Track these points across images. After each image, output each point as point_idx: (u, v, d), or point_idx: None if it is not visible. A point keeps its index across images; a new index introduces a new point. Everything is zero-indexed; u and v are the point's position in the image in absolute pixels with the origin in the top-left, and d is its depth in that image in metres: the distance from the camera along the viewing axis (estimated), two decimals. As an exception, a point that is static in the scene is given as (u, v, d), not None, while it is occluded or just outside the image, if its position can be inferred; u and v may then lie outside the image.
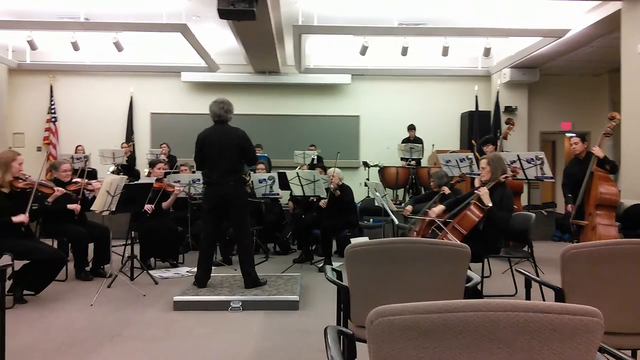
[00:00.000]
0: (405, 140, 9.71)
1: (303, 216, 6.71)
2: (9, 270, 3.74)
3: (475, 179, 4.59)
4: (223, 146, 4.75)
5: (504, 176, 4.50)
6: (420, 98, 11.15)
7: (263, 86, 11.07)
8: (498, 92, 10.69)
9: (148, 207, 5.81)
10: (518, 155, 5.76)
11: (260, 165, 7.20)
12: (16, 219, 4.42)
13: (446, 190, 5.15)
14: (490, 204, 4.27)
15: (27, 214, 4.48)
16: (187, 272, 5.89)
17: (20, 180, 4.55)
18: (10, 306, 2.87)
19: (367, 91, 11.21)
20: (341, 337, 1.84)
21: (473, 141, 9.41)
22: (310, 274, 5.78)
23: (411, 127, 9.93)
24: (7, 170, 4.47)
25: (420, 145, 9.32)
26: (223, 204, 4.77)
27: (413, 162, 9.10)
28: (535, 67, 10.21)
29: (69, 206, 5.33)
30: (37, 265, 4.49)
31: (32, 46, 9.16)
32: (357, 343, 2.10)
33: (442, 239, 4.22)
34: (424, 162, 9.65)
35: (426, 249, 2.32)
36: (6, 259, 3.92)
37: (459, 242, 3.73)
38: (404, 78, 11.13)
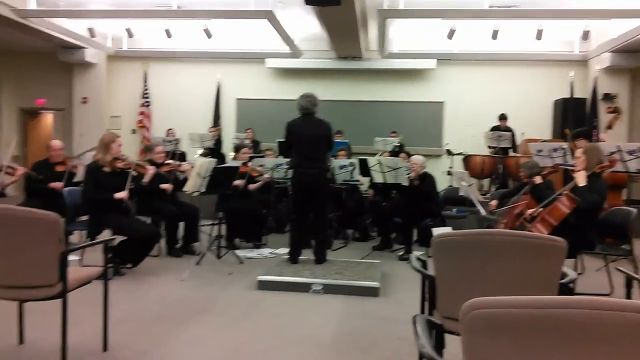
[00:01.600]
0: (494, 129, 9.32)
1: (383, 203, 6.66)
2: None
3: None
4: (311, 136, 5.21)
5: (599, 166, 4.25)
6: (509, 84, 10.64)
7: (345, 72, 11.04)
8: (596, 78, 9.97)
9: (239, 182, 6.03)
10: (619, 146, 5.37)
11: (342, 152, 7.22)
12: (118, 195, 4.73)
13: (537, 179, 4.87)
14: (584, 184, 4.07)
15: (127, 191, 4.78)
16: (269, 253, 6.07)
17: (120, 161, 4.86)
18: (109, 278, 3.12)
19: (453, 76, 10.86)
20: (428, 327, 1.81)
21: (566, 130, 8.86)
22: (390, 262, 5.74)
23: (502, 117, 9.49)
24: (108, 151, 4.78)
25: (509, 133, 8.92)
26: (308, 188, 5.15)
27: (502, 151, 8.72)
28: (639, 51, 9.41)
29: (162, 186, 5.63)
30: (134, 241, 4.80)
31: (130, 34, 9.74)
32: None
33: (531, 232, 4.04)
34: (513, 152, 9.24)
35: (519, 241, 2.22)
36: (108, 235, 4.23)
37: (547, 234, 3.56)
38: (493, 63, 10.66)
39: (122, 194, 4.74)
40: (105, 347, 3.02)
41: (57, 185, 5.57)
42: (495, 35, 8.36)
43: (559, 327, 1.18)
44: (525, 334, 1.19)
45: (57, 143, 5.92)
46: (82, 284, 2.83)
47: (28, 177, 5.67)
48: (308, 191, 5.20)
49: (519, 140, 9.34)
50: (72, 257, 2.74)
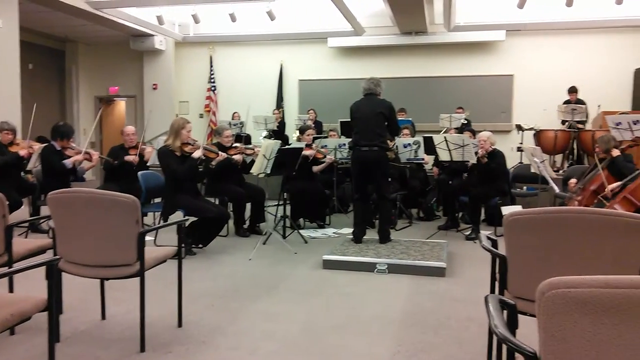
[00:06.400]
0: (566, 102, 8.83)
1: (450, 182, 6.52)
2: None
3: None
4: (370, 114, 5.17)
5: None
6: (584, 54, 10.01)
7: (409, 47, 10.78)
8: (683, 42, 9.20)
9: (309, 151, 6.25)
10: None
11: (405, 130, 7.10)
12: (195, 154, 4.85)
13: (615, 152, 4.57)
14: None
15: (201, 149, 4.91)
16: (333, 233, 6.11)
17: (189, 145, 5.02)
18: (183, 257, 3.26)
19: (524, 48, 10.34)
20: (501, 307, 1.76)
21: (649, 100, 8.26)
22: (457, 242, 5.63)
23: (572, 90, 8.90)
24: (178, 137, 4.94)
25: (583, 106, 8.43)
26: (367, 167, 5.14)
27: (579, 125, 8.26)
28: None
29: (126, 158, 5.82)
30: (205, 222, 4.98)
31: (196, 20, 9.98)
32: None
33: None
34: (587, 126, 8.73)
35: (597, 219, 2.10)
36: (180, 216, 4.40)
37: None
38: (566, 32, 10.05)
39: (197, 153, 4.86)
40: (180, 323, 3.16)
41: (131, 158, 5.87)
42: (570, 2, 7.85)
43: (641, 308, 1.11)
44: (606, 315, 1.13)
45: (130, 128, 6.20)
46: (158, 262, 2.96)
47: (105, 162, 5.99)
48: (367, 170, 5.18)
49: (594, 113, 8.80)
50: (147, 238, 2.87)
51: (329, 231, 6.23)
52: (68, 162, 5.71)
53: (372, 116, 5.14)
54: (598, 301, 1.13)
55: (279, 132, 9.71)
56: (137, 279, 2.74)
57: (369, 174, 5.20)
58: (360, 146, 5.15)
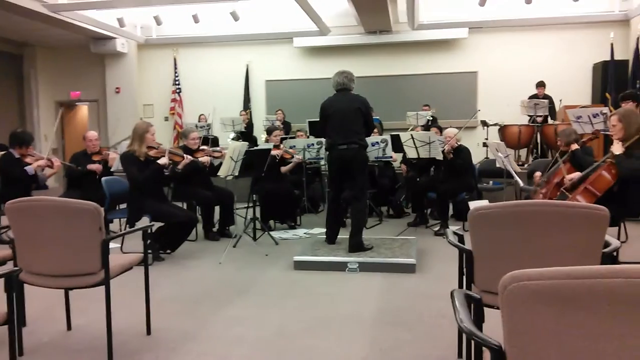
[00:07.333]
0: (532, 97, 9.02)
1: (418, 179, 6.58)
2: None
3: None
4: (345, 111, 4.87)
5: (643, 132, 4.03)
6: (545, 49, 10.27)
7: (374, 47, 10.86)
8: (638, 38, 9.51)
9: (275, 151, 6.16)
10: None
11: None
12: (160, 161, 4.80)
13: (573, 146, 4.68)
14: (620, 152, 3.88)
15: (166, 157, 4.85)
16: (304, 233, 6.09)
17: (153, 149, 4.92)
18: (150, 263, 3.20)
19: (486, 45, 10.54)
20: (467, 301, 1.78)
21: (607, 94, 8.51)
22: (426, 238, 5.69)
23: (540, 84, 9.13)
24: (142, 141, 4.84)
25: (545, 101, 8.64)
26: (345, 166, 4.89)
27: (539, 120, 8.45)
28: (686, 6, 8.92)
29: (89, 166, 5.71)
30: (172, 227, 4.90)
31: (158, 22, 9.83)
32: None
33: (573, 201, 3.92)
34: (557, 120, 8.94)
35: (559, 212, 2.15)
36: (146, 222, 4.31)
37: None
38: (527, 29, 10.30)
39: (162, 160, 4.81)
40: (148, 331, 3.10)
41: (95, 166, 5.73)
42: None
43: (602, 297, 1.13)
44: (567, 305, 1.15)
45: (92, 134, 6.05)
46: (124, 270, 2.90)
47: (68, 169, 5.83)
48: (345, 170, 4.90)
49: (558, 107, 9.03)
50: (112, 245, 2.81)
51: (300, 232, 6.21)
52: (30, 168, 5.52)
53: (349, 113, 4.85)
54: (559, 292, 1.15)
55: (247, 134, 9.65)
56: (103, 288, 2.67)
57: (347, 173, 4.92)
58: (337, 145, 4.86)
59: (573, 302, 1.15)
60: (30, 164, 5.60)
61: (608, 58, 9.66)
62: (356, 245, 4.78)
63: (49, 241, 2.68)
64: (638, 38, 9.47)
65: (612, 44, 9.60)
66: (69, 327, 3.19)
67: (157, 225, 4.82)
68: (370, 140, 6.64)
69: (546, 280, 1.15)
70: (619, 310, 1.13)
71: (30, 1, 8.27)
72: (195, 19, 9.61)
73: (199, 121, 9.89)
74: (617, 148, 3.96)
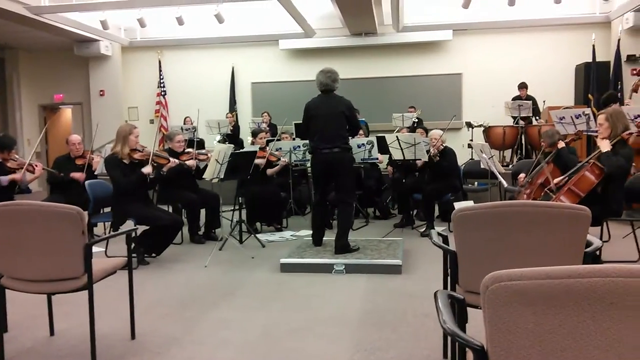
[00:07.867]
0: (515, 99, 9.11)
1: (404, 180, 6.61)
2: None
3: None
4: (329, 114, 4.83)
5: (627, 132, 4.10)
6: (529, 51, 10.38)
7: (359, 49, 10.90)
8: (619, 39, 9.65)
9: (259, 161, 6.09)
10: (644, 109, 5.20)
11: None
12: (144, 169, 4.77)
13: (560, 144, 4.73)
14: (607, 150, 3.95)
15: (150, 166, 4.82)
16: (291, 235, 6.09)
17: (137, 152, 4.88)
18: (134, 267, 3.17)
19: (470, 47, 10.64)
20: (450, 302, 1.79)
21: (590, 95, 8.62)
22: (412, 239, 5.71)
23: (522, 86, 9.25)
24: (125, 143, 4.79)
25: (529, 102, 8.73)
26: (329, 170, 4.87)
27: (522, 121, 8.54)
28: (665, 9, 9.06)
29: (72, 175, 5.63)
30: (157, 231, 4.86)
31: (142, 24, 9.75)
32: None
33: (556, 202, 3.96)
34: (540, 121, 9.03)
35: (541, 212, 2.17)
36: (131, 225, 4.28)
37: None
38: (511, 31, 10.41)
39: (146, 169, 4.78)
40: (133, 335, 3.07)
41: (78, 175, 5.65)
42: (512, 1, 8.12)
43: (582, 297, 1.15)
44: (548, 305, 1.16)
45: (75, 137, 5.98)
46: (108, 274, 2.86)
47: (50, 175, 5.75)
48: (329, 173, 4.89)
49: (542, 109, 9.13)
50: (96, 249, 2.77)
51: (287, 234, 6.20)
52: (4, 180, 5.26)
53: (333, 116, 4.81)
54: (540, 292, 1.16)
55: (233, 136, 9.62)
56: (86, 292, 2.64)
57: (331, 177, 4.91)
58: (320, 149, 4.84)
59: (554, 302, 1.16)
60: (12, 169, 5.48)
61: (590, 59, 9.79)
62: (342, 247, 4.78)
63: (31, 246, 2.64)
64: (619, 40, 9.63)
65: (593, 46, 9.73)
66: (51, 333, 3.15)
67: (142, 228, 4.78)
68: (356, 142, 6.67)
69: (527, 280, 1.16)
70: (599, 309, 1.14)
71: (11, 3, 8.17)
72: (180, 21, 9.56)
73: (184, 124, 9.84)
74: (604, 145, 4.03)
